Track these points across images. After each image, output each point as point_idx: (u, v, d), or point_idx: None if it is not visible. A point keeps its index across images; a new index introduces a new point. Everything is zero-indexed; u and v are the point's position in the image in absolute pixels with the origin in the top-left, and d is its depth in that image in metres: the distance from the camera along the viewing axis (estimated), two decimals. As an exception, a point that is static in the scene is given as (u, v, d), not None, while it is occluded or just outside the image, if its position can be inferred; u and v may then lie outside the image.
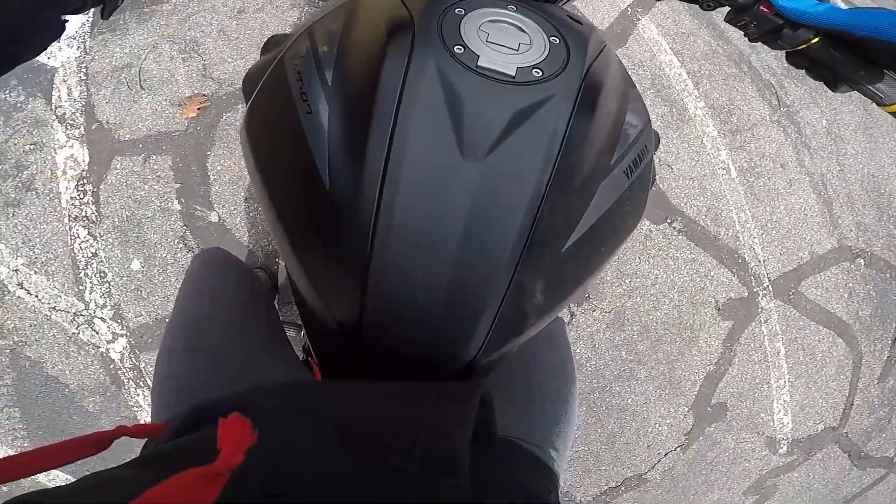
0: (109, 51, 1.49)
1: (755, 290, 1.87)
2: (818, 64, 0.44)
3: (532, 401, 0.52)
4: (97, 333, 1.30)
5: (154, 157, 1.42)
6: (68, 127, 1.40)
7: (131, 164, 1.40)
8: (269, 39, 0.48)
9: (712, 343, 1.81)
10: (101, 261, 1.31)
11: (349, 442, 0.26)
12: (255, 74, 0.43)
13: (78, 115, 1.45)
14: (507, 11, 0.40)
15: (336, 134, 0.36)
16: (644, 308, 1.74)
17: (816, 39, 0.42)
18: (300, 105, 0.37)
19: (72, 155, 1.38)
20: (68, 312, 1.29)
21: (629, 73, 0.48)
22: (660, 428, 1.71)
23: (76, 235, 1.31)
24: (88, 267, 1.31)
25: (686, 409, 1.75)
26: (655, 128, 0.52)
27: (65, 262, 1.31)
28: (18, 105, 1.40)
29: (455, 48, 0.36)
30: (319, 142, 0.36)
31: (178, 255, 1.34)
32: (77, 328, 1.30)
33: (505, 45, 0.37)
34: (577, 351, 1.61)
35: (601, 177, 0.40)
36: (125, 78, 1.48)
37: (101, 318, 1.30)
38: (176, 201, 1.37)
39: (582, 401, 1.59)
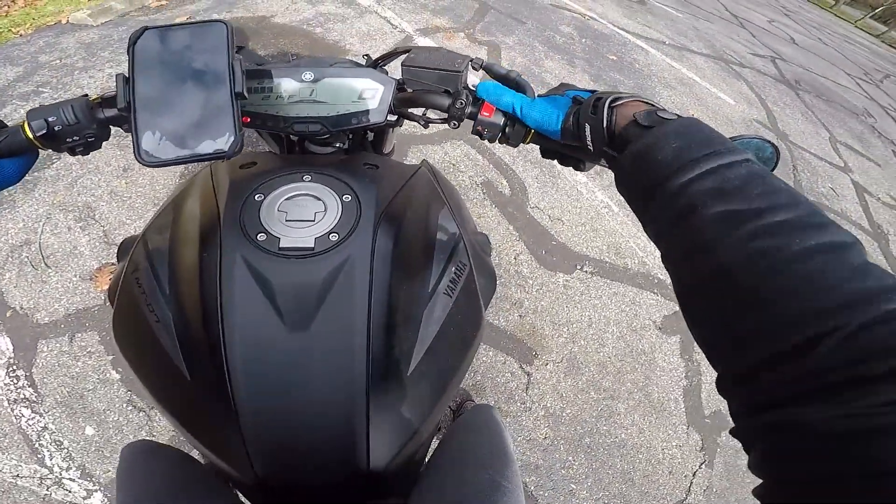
0: (2, 227, 1.42)
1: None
2: (552, 154, 0.50)
3: (465, 497, 0.49)
4: (70, 492, 1.26)
5: (79, 334, 1.38)
6: (-20, 319, 1.33)
7: (58, 345, 1.35)
8: (121, 244, 0.57)
9: (671, 360, 1.81)
10: (53, 432, 1.27)
11: None
12: (113, 285, 0.50)
13: (-12, 304, 1.39)
14: (302, 183, 0.46)
15: (182, 333, 0.41)
16: (591, 348, 1.76)
17: (533, 132, 0.48)
18: (149, 314, 0.42)
19: (-7, 345, 1.32)
20: (33, 478, 1.22)
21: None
22: (671, 452, 1.61)
23: (20, 415, 1.27)
24: (41, 439, 1.26)
25: (685, 427, 1.67)
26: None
27: (15, 438, 1.24)
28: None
29: (258, 236, 0.42)
30: (171, 341, 0.41)
31: (130, 415, 1.31)
32: (48, 489, 1.24)
33: (303, 220, 0.43)
34: (548, 404, 1.58)
35: (422, 306, 0.45)
36: (27, 257, 1.43)
37: (70, 479, 1.25)
38: (113, 371, 1.34)
39: (576, 449, 1.52)
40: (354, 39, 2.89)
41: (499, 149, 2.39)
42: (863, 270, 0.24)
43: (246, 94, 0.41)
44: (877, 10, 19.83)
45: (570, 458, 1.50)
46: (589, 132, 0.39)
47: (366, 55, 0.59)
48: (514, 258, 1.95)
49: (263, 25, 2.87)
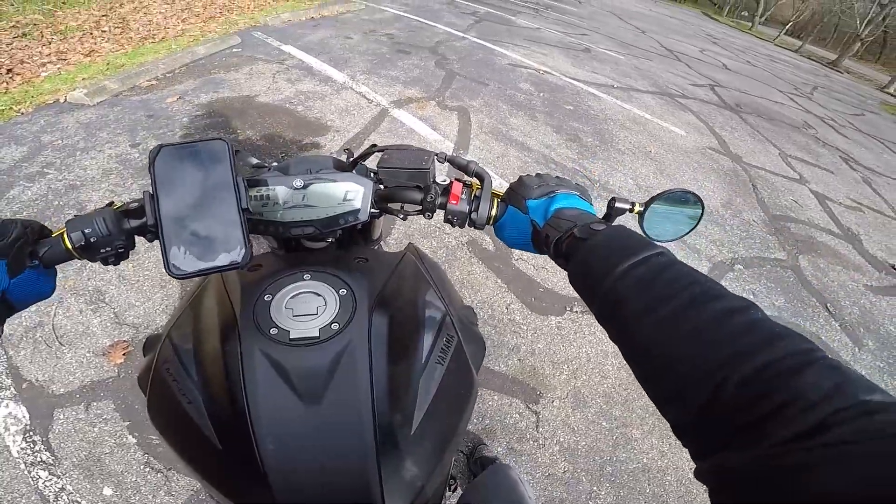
0: (15, 314, 1.47)
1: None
2: None
3: None
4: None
5: (95, 403, 1.39)
6: (-3, 389, 1.38)
7: (74, 413, 1.38)
8: (146, 340, 0.65)
9: (679, 380, 1.95)
10: (71, 493, 1.25)
11: None
12: (144, 375, 0.57)
13: (4, 377, 1.41)
14: (303, 282, 0.54)
15: (212, 411, 0.47)
16: (594, 381, 1.80)
17: (495, 216, 0.57)
18: (181, 398, 0.49)
19: (10, 413, 1.35)
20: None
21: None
22: (702, 469, 1.65)
23: (37, 476, 1.27)
24: (59, 499, 1.24)
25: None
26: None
27: (33, 499, 1.21)
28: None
29: (271, 331, 0.49)
30: (203, 419, 0.47)
31: (148, 476, 1.31)
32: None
33: (307, 314, 0.51)
34: (561, 439, 1.59)
35: (417, 375, 0.52)
36: (41, 337, 1.48)
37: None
38: (130, 436, 1.36)
39: (599, 479, 1.52)
40: (334, 116, 3.07)
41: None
42: (751, 327, 0.28)
43: (250, 208, 0.48)
44: (787, 27, 22.03)
45: (595, 488, 1.49)
46: (551, 250, 0.48)
47: (347, 149, 0.66)
48: (506, 308, 2.01)
49: (249, 105, 3.04)
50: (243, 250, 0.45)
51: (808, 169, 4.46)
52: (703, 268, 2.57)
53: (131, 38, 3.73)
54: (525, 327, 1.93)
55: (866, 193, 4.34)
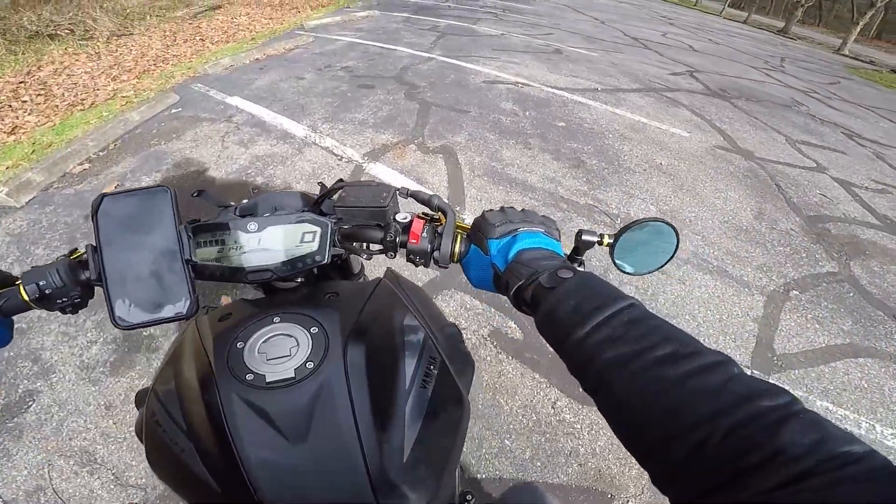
0: (8, 476, 1.40)
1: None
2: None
3: None
4: None
5: None
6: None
7: None
8: (137, 394, 0.63)
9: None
10: None
11: None
12: (139, 427, 0.58)
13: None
14: (273, 325, 0.53)
15: (205, 457, 0.47)
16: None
17: (459, 253, 0.55)
18: (174, 447, 0.49)
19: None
20: None
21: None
22: None
23: None
24: None
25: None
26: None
27: None
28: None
29: (247, 377, 0.48)
30: (197, 465, 0.48)
31: None
32: None
33: (280, 356, 0.50)
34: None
35: (402, 402, 0.51)
36: (45, 501, 1.37)
37: None
38: None
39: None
40: (301, 184, 2.58)
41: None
42: (729, 383, 0.29)
43: (196, 259, 0.52)
44: None
45: None
46: (512, 296, 0.47)
47: (320, 182, 0.66)
48: (552, 407, 1.67)
49: (199, 183, 2.52)
50: (188, 301, 0.48)
51: (819, 153, 4.16)
52: (759, 303, 2.23)
53: (57, 106, 3.17)
54: (579, 426, 1.64)
55: (885, 171, 4.07)
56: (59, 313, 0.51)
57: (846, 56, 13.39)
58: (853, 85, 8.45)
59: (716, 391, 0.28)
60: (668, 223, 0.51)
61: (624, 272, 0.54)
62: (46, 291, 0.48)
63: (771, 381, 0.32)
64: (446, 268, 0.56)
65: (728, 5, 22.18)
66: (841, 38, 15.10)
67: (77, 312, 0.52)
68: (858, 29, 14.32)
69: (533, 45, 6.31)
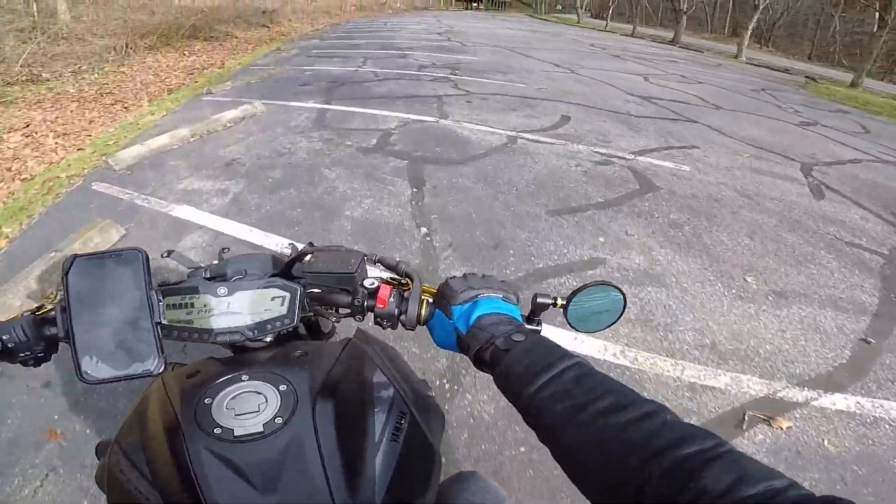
0: None
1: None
2: None
3: None
4: None
5: None
6: None
7: None
8: (98, 444, 0.64)
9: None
10: None
11: None
12: (100, 476, 0.58)
13: None
14: (242, 383, 0.53)
15: None
16: None
17: (425, 316, 0.61)
18: (139, 495, 0.47)
19: None
20: None
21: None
22: None
23: None
24: None
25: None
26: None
27: None
28: None
29: (215, 430, 0.48)
30: None
31: None
32: None
33: (249, 412, 0.49)
34: None
35: (372, 456, 0.51)
36: None
37: None
38: None
39: None
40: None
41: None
42: (664, 428, 0.33)
43: (165, 320, 0.52)
44: (609, 13, 25.23)
45: None
46: (472, 356, 0.52)
47: (291, 243, 0.70)
48: None
49: None
50: (156, 360, 0.49)
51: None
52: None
53: None
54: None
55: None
56: (21, 365, 0.52)
57: (781, 70, 13.55)
58: (823, 102, 8.75)
59: (651, 437, 0.33)
60: (615, 287, 0.56)
61: (577, 331, 0.60)
62: (9, 346, 0.50)
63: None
64: (412, 329, 0.61)
65: (597, 17, 24.71)
66: (736, 44, 16.63)
67: (39, 366, 0.54)
68: (749, 34, 16.10)
69: (542, 127, 4.79)
